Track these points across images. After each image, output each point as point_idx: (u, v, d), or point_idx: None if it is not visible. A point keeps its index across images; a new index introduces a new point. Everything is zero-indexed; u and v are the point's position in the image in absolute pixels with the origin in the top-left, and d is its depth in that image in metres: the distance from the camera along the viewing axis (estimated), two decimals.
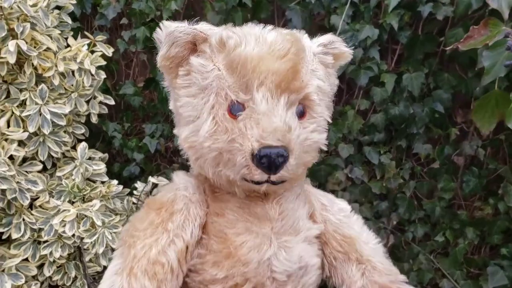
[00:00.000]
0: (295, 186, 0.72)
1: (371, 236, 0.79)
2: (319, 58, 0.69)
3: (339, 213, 0.78)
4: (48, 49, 1.23)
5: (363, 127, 1.48)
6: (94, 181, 1.32)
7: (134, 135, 1.67)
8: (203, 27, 0.66)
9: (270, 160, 0.58)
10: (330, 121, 0.70)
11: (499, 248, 1.51)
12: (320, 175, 1.49)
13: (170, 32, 0.64)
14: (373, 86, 1.44)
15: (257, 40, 0.62)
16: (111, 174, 1.51)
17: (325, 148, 0.70)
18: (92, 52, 1.34)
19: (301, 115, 0.65)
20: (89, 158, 1.31)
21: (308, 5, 1.41)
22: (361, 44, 1.40)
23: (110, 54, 1.37)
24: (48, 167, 1.29)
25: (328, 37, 0.72)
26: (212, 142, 0.63)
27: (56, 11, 1.31)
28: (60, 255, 1.22)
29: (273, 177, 0.61)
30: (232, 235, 0.65)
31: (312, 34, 0.76)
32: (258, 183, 0.62)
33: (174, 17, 1.48)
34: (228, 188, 0.67)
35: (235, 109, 0.62)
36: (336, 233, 0.76)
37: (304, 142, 0.63)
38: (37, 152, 1.24)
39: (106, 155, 1.41)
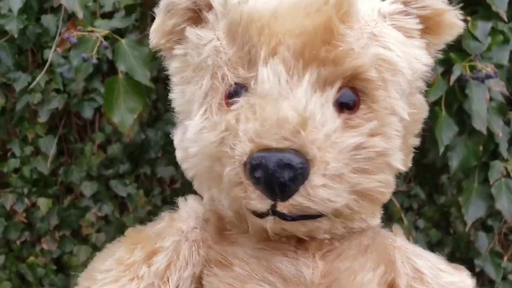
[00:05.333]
0: (359, 234, 0.45)
1: None
2: (393, 20, 0.43)
3: None
4: None
5: (105, 161, 1.43)
6: None
7: None
8: None
9: (267, 174, 0.35)
10: (406, 118, 0.42)
11: None
12: (71, 220, 1.35)
13: None
14: (102, 118, 1.42)
15: None
16: None
17: (401, 167, 0.43)
18: None
19: (350, 105, 0.40)
20: None
21: (15, 41, 1.30)
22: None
23: None
24: None
25: None
26: (198, 146, 0.41)
27: None
28: None
29: (281, 206, 0.36)
30: None
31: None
32: (260, 215, 0.38)
33: None
34: (240, 224, 0.42)
35: (234, 95, 0.41)
36: None
37: (352, 151, 0.38)
38: None
39: None
